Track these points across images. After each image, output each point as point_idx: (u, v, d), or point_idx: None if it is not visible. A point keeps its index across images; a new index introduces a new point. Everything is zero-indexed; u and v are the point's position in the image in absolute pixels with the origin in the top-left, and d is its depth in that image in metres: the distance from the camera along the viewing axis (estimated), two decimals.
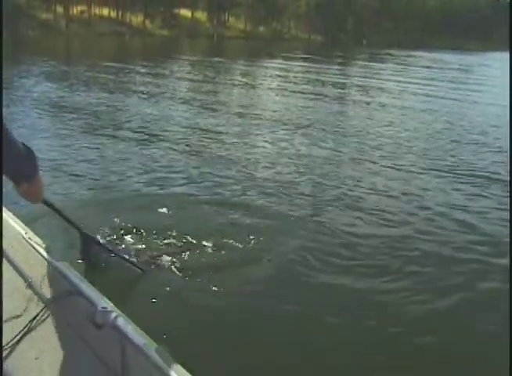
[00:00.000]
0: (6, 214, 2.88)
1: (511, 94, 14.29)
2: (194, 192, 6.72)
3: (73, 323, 2.18)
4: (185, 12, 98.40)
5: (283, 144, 9.57)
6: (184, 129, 10.27)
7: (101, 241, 4.49)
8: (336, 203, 6.72)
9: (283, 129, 10.80)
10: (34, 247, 2.61)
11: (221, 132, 9.99)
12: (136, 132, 9.95)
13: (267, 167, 7.98)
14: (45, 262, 2.49)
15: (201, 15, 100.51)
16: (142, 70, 22.96)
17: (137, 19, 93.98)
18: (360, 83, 21.56)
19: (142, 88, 16.35)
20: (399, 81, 23.31)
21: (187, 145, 8.95)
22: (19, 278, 2.51)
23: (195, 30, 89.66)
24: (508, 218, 6.66)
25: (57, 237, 4.68)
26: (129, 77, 19.99)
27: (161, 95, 15.09)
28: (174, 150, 8.58)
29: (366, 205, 6.78)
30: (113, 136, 9.59)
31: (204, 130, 10.17)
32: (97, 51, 45.90)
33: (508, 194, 7.65)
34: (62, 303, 2.22)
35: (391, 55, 52.22)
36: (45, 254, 2.55)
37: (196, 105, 13.55)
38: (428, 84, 22.69)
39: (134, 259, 4.59)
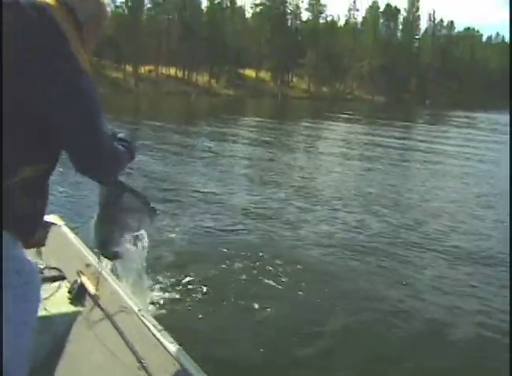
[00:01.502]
0: (122, 289, 3.00)
1: None
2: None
3: None
4: (250, 72, 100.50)
5: (344, 219, 8.97)
6: (246, 202, 9.77)
7: None
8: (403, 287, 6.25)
9: (343, 203, 10.13)
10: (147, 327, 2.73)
11: (274, 208, 9.49)
12: (186, 201, 9.68)
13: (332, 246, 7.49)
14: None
15: (265, 75, 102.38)
16: (205, 132, 23.21)
17: (203, 78, 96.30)
18: (422, 147, 20.95)
19: (201, 154, 16.24)
20: (461, 145, 22.74)
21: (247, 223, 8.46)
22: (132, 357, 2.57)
23: (259, 89, 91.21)
24: None
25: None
26: (193, 140, 20.14)
27: (219, 162, 14.89)
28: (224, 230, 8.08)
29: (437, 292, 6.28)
30: (172, 202, 9.42)
31: (261, 203, 9.73)
32: (164, 110, 46.92)
33: None
34: None
35: (453, 116, 51.62)
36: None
37: (256, 172, 13.26)
38: (490, 149, 22.10)
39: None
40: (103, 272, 3.07)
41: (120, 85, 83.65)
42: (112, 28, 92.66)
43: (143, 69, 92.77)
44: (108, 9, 2.31)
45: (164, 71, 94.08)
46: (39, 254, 3.29)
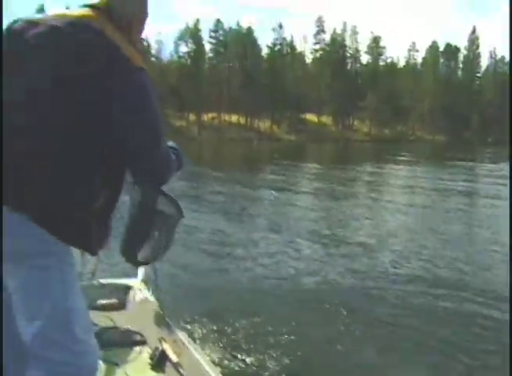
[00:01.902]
0: (203, 358, 3.00)
1: None
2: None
3: None
4: (311, 117, 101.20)
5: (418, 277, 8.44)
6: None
7: None
8: None
9: (410, 258, 9.52)
10: None
11: (336, 265, 9.15)
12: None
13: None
14: None
15: (327, 119, 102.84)
16: (267, 180, 23.05)
17: (264, 124, 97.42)
18: (489, 190, 20.23)
19: (261, 204, 16.18)
20: None
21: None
22: None
23: (321, 134, 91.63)
24: None
25: None
26: (253, 189, 20.11)
27: (280, 211, 14.69)
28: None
29: None
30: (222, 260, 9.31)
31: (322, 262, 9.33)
32: (226, 157, 47.63)
33: None
34: None
35: None
36: None
37: (318, 225, 12.85)
38: None
39: None
40: (185, 339, 3.08)
41: (183, 134, 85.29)
42: (175, 78, 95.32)
43: (206, 117, 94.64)
44: (147, 3, 2.29)
45: (226, 118, 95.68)
46: (122, 317, 3.37)
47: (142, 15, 2.28)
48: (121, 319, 3.37)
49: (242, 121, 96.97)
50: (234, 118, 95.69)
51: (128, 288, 3.77)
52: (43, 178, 1.97)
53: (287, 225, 12.82)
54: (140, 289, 3.87)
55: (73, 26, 2.01)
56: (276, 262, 9.20)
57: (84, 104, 1.97)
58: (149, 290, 3.93)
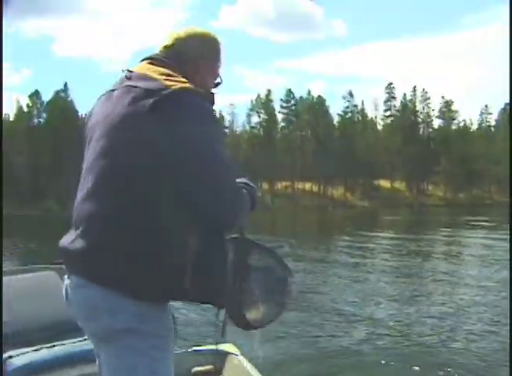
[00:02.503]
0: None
1: None
2: None
3: None
4: (384, 183, 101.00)
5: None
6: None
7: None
8: None
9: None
10: None
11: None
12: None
13: None
14: None
15: (400, 185, 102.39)
16: (342, 248, 23.23)
17: (337, 191, 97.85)
18: None
19: (338, 272, 16.28)
20: None
21: None
22: None
23: (394, 199, 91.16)
24: None
25: None
26: (328, 256, 20.23)
27: (356, 279, 14.77)
28: None
29: None
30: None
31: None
32: (300, 225, 47.77)
33: None
34: None
35: None
36: None
37: (397, 290, 12.83)
38: None
39: None
40: None
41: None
42: (247, 148, 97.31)
43: (279, 185, 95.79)
44: (217, 44, 2.32)
45: (299, 186, 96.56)
46: None
47: (208, 56, 2.26)
48: None
49: (315, 188, 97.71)
50: (307, 186, 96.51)
51: (223, 354, 3.63)
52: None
53: (361, 288, 12.84)
54: (236, 354, 3.72)
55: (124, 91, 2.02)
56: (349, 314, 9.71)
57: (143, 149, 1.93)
58: (242, 354, 3.78)
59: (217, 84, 2.33)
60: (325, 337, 8.58)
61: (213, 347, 3.03)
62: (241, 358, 3.65)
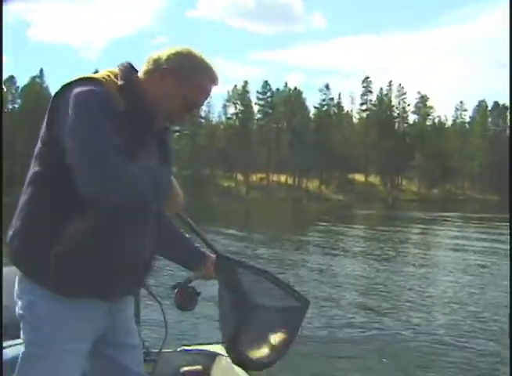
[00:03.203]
0: None
1: None
2: None
3: None
4: (359, 177, 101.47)
5: None
6: None
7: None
8: None
9: None
10: None
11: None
12: None
13: None
14: None
15: (375, 179, 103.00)
16: (314, 241, 23.21)
17: (313, 184, 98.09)
18: None
19: (309, 266, 16.30)
20: None
21: None
22: None
23: (369, 193, 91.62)
24: None
25: None
26: (302, 251, 20.25)
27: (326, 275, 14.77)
28: None
29: None
30: None
31: None
32: (274, 216, 47.80)
33: None
34: None
35: None
36: None
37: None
38: None
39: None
40: None
41: (232, 194, 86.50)
42: (223, 139, 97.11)
43: (254, 177, 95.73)
44: (195, 66, 2.15)
45: (274, 178, 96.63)
46: None
47: (178, 72, 2.13)
48: None
49: (290, 180, 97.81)
50: (282, 178, 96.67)
51: (212, 355, 3.58)
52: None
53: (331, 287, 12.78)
54: (226, 356, 3.41)
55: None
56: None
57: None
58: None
59: (186, 112, 2.21)
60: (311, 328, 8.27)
61: (202, 347, 3.06)
62: (229, 359, 3.35)
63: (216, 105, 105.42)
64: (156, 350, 2.78)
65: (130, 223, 2.08)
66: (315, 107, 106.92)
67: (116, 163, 1.86)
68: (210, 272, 2.46)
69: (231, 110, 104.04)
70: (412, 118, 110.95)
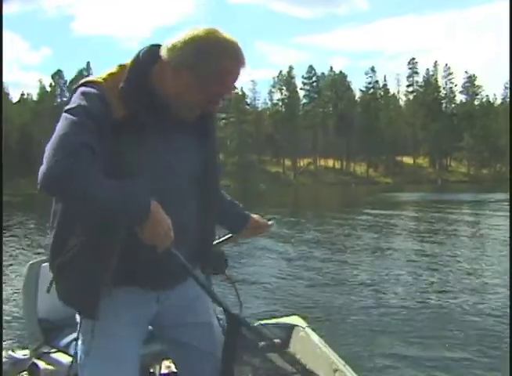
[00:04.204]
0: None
1: None
2: None
3: None
4: (407, 159, 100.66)
5: None
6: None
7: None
8: None
9: None
10: None
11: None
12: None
13: None
14: None
15: (423, 161, 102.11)
16: (366, 223, 22.94)
17: (361, 168, 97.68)
18: None
19: (361, 248, 16.08)
20: None
21: None
22: None
23: (418, 176, 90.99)
24: None
25: None
26: (350, 231, 20.03)
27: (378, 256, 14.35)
28: None
29: None
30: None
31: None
32: (323, 201, 47.63)
33: None
34: None
35: None
36: None
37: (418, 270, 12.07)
38: None
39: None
40: None
41: (280, 179, 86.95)
42: (270, 125, 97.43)
43: (302, 162, 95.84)
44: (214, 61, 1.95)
45: (322, 163, 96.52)
46: (283, 357, 3.23)
47: (196, 68, 1.97)
48: (284, 361, 3.22)
49: (337, 165, 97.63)
50: (330, 162, 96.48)
51: (289, 327, 3.54)
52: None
53: (383, 265, 12.45)
54: (303, 327, 3.61)
55: None
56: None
57: None
58: (309, 326, 3.65)
59: (211, 103, 2.05)
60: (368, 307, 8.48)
61: (278, 320, 2.92)
62: (308, 330, 3.57)
63: (262, 91, 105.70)
64: None
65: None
66: (360, 90, 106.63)
67: (76, 160, 1.77)
68: (249, 233, 2.60)
69: (277, 95, 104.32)
70: (459, 98, 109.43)
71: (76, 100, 1.92)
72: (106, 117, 1.89)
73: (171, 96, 1.99)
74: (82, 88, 1.95)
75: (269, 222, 2.63)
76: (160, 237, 1.84)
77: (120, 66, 2.02)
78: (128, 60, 2.05)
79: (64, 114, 1.89)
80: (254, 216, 2.58)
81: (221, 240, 2.59)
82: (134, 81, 1.97)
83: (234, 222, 2.54)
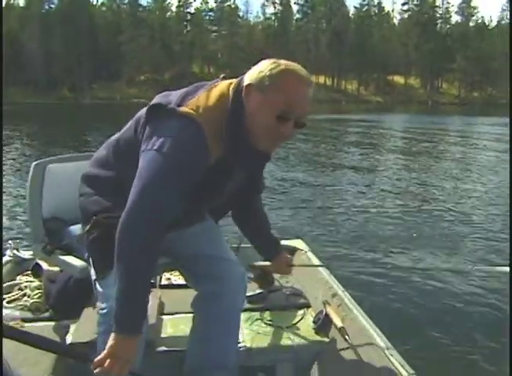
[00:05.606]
0: (368, 323, 2.77)
1: None
2: None
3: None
4: (399, 79, 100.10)
5: None
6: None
7: None
8: None
9: None
10: None
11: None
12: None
13: None
14: None
15: (414, 81, 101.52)
16: (354, 141, 22.55)
17: (352, 86, 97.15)
18: None
19: (346, 163, 15.23)
20: None
21: None
22: None
23: (408, 96, 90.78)
24: None
25: None
26: (339, 150, 19.70)
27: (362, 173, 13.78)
28: None
29: None
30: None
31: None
32: (312, 117, 47.53)
33: None
34: None
35: None
36: None
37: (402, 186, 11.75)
38: None
39: None
40: (350, 304, 2.93)
41: None
42: (262, 39, 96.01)
43: None
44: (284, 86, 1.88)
45: (313, 79, 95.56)
46: (284, 279, 3.36)
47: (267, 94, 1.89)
48: (285, 282, 3.37)
49: (328, 82, 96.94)
50: (321, 79, 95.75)
51: (291, 250, 3.64)
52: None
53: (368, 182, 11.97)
54: (305, 250, 3.75)
55: None
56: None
57: None
58: (311, 250, 3.81)
59: (275, 138, 1.93)
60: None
61: (282, 243, 2.85)
62: (310, 254, 3.69)
63: (254, 4, 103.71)
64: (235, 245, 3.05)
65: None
66: (355, 7, 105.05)
67: (151, 235, 1.82)
68: (279, 268, 2.73)
69: (270, 9, 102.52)
70: (454, 19, 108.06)
71: (175, 144, 1.81)
72: (204, 165, 1.88)
73: (253, 137, 1.90)
74: (180, 126, 1.84)
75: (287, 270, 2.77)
76: (118, 361, 1.77)
77: (211, 95, 1.92)
78: (211, 86, 1.98)
79: (159, 157, 1.81)
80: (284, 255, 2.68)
81: (260, 264, 2.84)
82: (236, 121, 1.89)
83: (264, 249, 2.65)
